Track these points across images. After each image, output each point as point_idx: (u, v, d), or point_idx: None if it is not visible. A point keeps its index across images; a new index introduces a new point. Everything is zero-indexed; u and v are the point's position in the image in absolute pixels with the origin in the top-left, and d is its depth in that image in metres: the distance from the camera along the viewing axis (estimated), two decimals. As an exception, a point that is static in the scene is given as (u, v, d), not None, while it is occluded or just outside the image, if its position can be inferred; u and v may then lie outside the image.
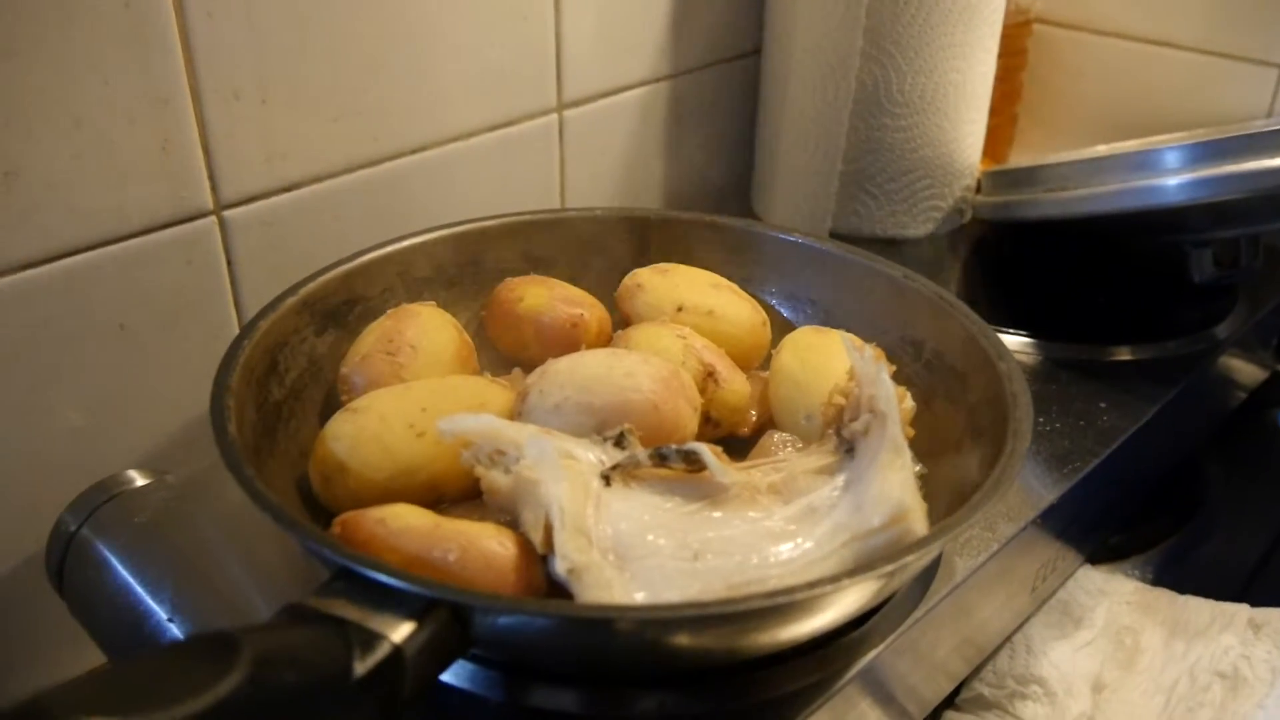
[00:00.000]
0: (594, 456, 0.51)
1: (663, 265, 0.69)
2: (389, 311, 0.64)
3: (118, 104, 0.61)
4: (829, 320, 0.69)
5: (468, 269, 0.70)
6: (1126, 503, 0.80)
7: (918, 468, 0.57)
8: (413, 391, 0.56)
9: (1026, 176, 0.85)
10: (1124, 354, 0.78)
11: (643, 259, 0.71)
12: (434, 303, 0.66)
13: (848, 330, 0.64)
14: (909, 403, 0.55)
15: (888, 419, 0.51)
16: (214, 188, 0.66)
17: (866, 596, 0.48)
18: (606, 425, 0.53)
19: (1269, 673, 0.67)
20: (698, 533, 0.48)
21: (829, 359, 0.60)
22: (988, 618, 0.64)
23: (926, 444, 0.58)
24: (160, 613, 0.56)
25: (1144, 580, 0.79)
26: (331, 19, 0.68)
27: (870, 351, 0.53)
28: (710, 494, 0.50)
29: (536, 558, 0.47)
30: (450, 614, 0.41)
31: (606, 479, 0.50)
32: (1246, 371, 0.90)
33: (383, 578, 0.41)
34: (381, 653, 0.39)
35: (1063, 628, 0.72)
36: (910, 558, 0.45)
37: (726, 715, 0.49)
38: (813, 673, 0.51)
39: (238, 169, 0.67)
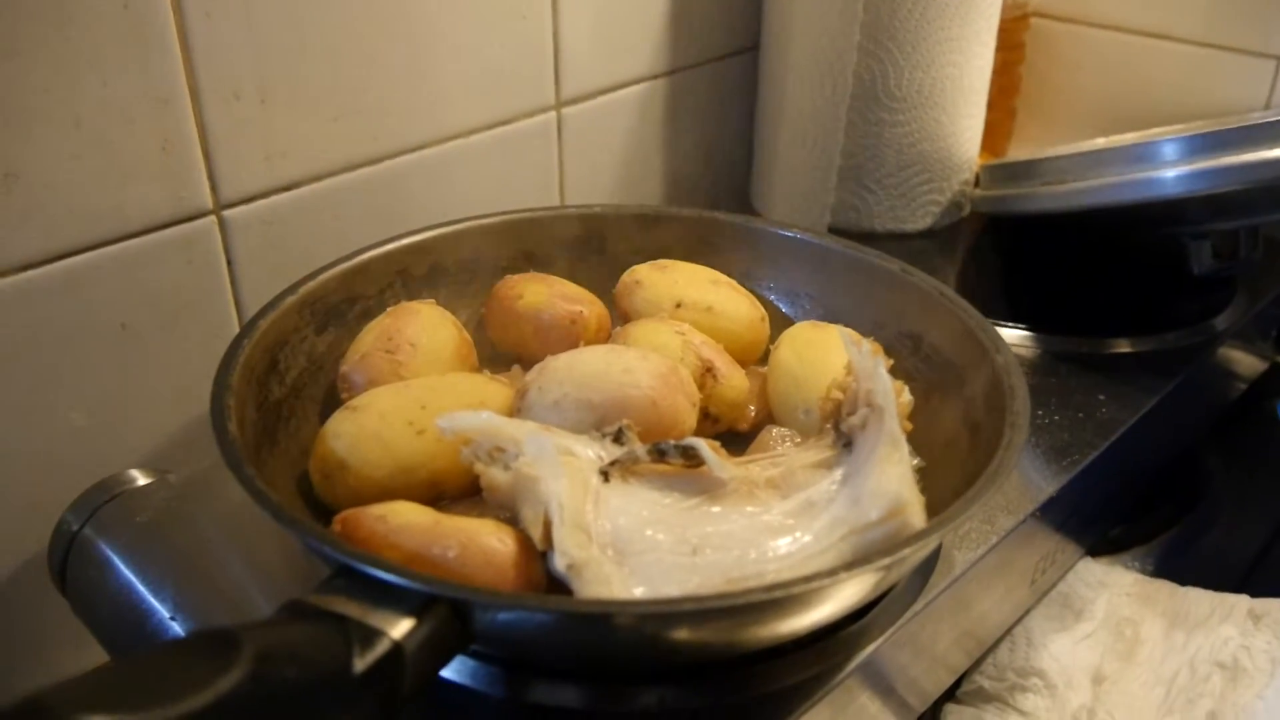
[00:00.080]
0: (593, 453, 0.51)
1: (661, 261, 0.69)
2: (388, 310, 0.64)
3: (117, 104, 0.61)
4: (827, 315, 0.69)
5: (467, 267, 0.70)
6: (1126, 495, 0.80)
7: (916, 461, 0.57)
8: (412, 389, 0.56)
9: (1025, 170, 0.85)
10: (1123, 346, 0.78)
11: (641, 255, 0.71)
12: (433, 301, 0.66)
13: (846, 325, 0.64)
14: (906, 396, 0.56)
15: (885, 413, 0.51)
16: (214, 187, 0.67)
17: (865, 590, 0.49)
18: (605, 421, 0.53)
19: (1269, 663, 0.67)
20: (696, 527, 0.49)
21: (827, 354, 0.61)
22: (987, 610, 0.64)
23: (924, 437, 0.58)
24: (162, 611, 0.56)
25: (1144, 572, 0.79)
26: (330, 18, 0.68)
27: (868, 346, 0.53)
28: (709, 489, 0.51)
29: (536, 554, 0.47)
30: (450, 610, 0.42)
31: (605, 475, 0.50)
32: (1246, 363, 0.90)
33: (382, 574, 0.41)
34: (381, 649, 0.39)
35: (1063, 620, 0.72)
36: (907, 551, 0.45)
37: (726, 709, 0.50)
38: (812, 666, 0.51)
39: (237, 168, 0.67)
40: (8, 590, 0.66)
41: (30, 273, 0.61)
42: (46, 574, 0.63)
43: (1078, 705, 0.67)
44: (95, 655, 0.64)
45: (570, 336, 0.64)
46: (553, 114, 0.84)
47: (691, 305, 0.66)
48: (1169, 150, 0.75)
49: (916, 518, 0.48)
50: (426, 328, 0.62)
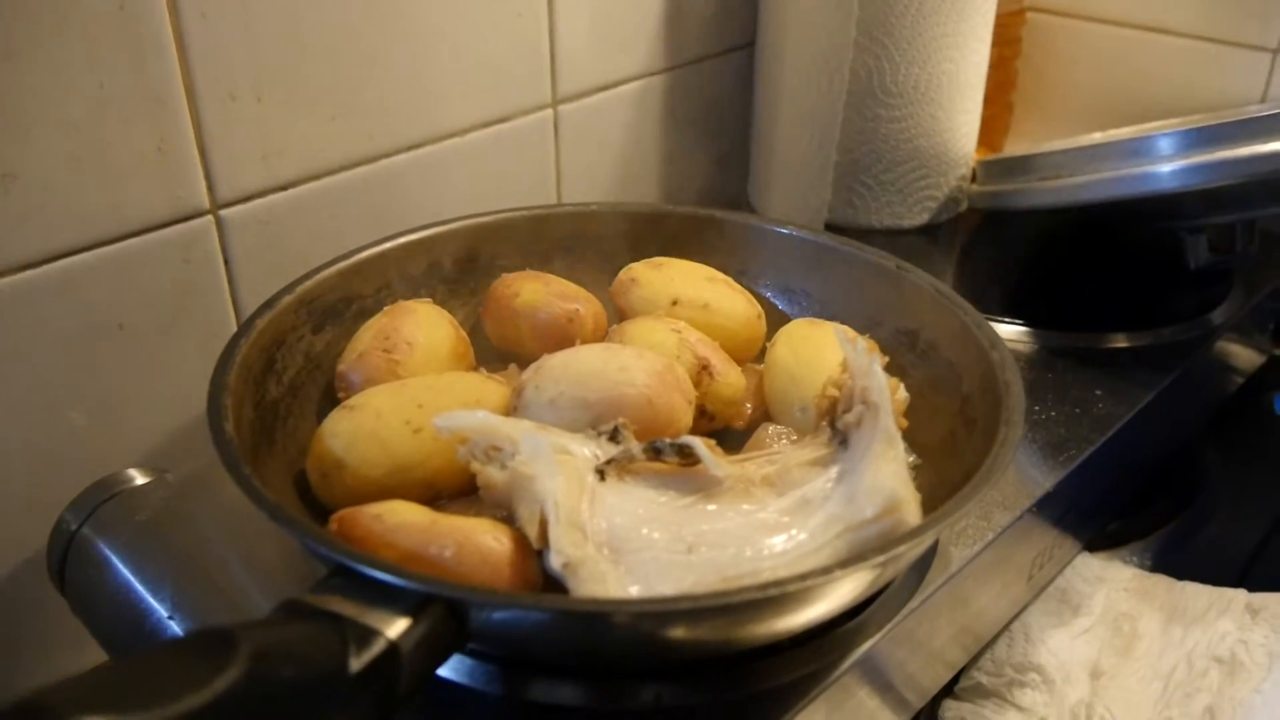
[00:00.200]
0: (589, 451, 0.51)
1: (657, 259, 0.69)
2: (385, 309, 0.64)
3: (113, 105, 0.61)
4: (824, 312, 0.69)
5: (464, 265, 0.70)
6: (1123, 490, 0.80)
7: (911, 458, 0.57)
8: (409, 388, 0.57)
9: (1022, 165, 0.85)
10: (1120, 341, 0.78)
11: (638, 253, 0.71)
12: (430, 299, 0.66)
13: (843, 322, 0.65)
14: (902, 394, 0.56)
15: (880, 410, 0.51)
16: (210, 187, 0.67)
17: (860, 587, 0.49)
18: (602, 420, 0.53)
19: (1266, 657, 0.68)
20: (692, 525, 0.49)
21: (823, 351, 0.61)
22: (985, 606, 0.64)
23: (920, 434, 0.58)
24: (160, 610, 0.56)
25: (1142, 567, 0.79)
26: (326, 17, 0.68)
27: (863, 343, 0.53)
28: (704, 487, 0.51)
29: (532, 553, 0.47)
30: (446, 609, 0.42)
31: (601, 473, 0.50)
32: (1243, 357, 0.90)
33: (378, 574, 0.42)
34: (377, 648, 0.39)
35: (1060, 615, 0.72)
36: (902, 548, 0.45)
37: (723, 706, 0.50)
38: (809, 663, 0.51)
39: (234, 168, 0.67)
40: (7, 589, 0.66)
41: (28, 273, 0.61)
42: (45, 573, 0.63)
43: (1075, 700, 0.67)
44: (94, 654, 0.64)
45: (566, 335, 0.64)
46: (549, 112, 0.84)
47: (688, 303, 0.66)
48: (1165, 145, 0.75)
49: (912, 515, 0.49)
50: (423, 327, 0.62)
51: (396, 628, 0.40)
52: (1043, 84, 1.10)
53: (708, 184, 1.01)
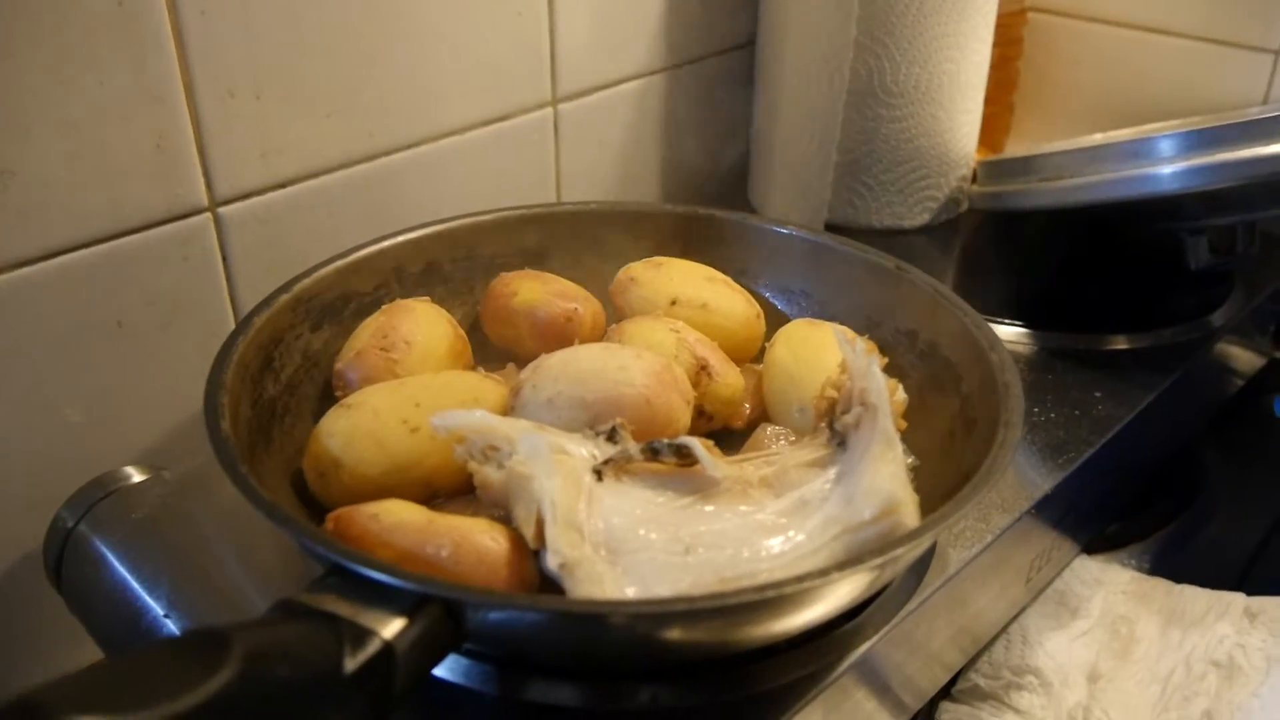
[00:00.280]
0: (586, 451, 0.51)
1: (656, 259, 0.69)
2: (384, 307, 0.64)
3: (112, 103, 0.61)
4: (823, 313, 0.69)
5: (462, 264, 0.70)
6: (1122, 492, 0.80)
7: (910, 460, 0.57)
8: (407, 387, 0.56)
9: (1022, 166, 0.85)
10: (1120, 343, 0.78)
11: (637, 253, 0.71)
12: (428, 298, 0.66)
13: (842, 323, 0.65)
14: (901, 395, 0.56)
15: (879, 411, 0.51)
16: (209, 185, 0.67)
17: (858, 589, 0.49)
18: (600, 420, 0.53)
19: (1264, 661, 0.67)
20: (689, 526, 0.49)
21: (822, 352, 0.61)
22: (983, 608, 0.64)
23: (919, 435, 0.58)
24: (157, 608, 0.56)
25: (1140, 569, 0.79)
26: (325, 15, 0.68)
27: (862, 344, 0.53)
28: (702, 488, 0.51)
29: (529, 553, 0.47)
30: (442, 609, 0.42)
31: (599, 474, 0.50)
32: (1243, 358, 0.90)
33: (374, 574, 0.41)
34: (372, 649, 0.39)
35: (1058, 618, 0.72)
36: (900, 550, 0.45)
37: (721, 708, 0.50)
38: (807, 664, 0.51)
39: (232, 166, 0.67)
40: (3, 587, 0.66)
41: (26, 270, 0.61)
42: (42, 570, 0.63)
43: (1073, 703, 0.67)
44: (91, 652, 0.64)
45: (565, 334, 0.64)
46: (549, 110, 0.84)
47: (686, 303, 0.66)
48: (1166, 146, 0.75)
49: (910, 517, 0.48)
50: (421, 325, 0.62)
51: (392, 628, 0.40)
52: (1044, 84, 1.10)
53: (707, 183, 1.01)
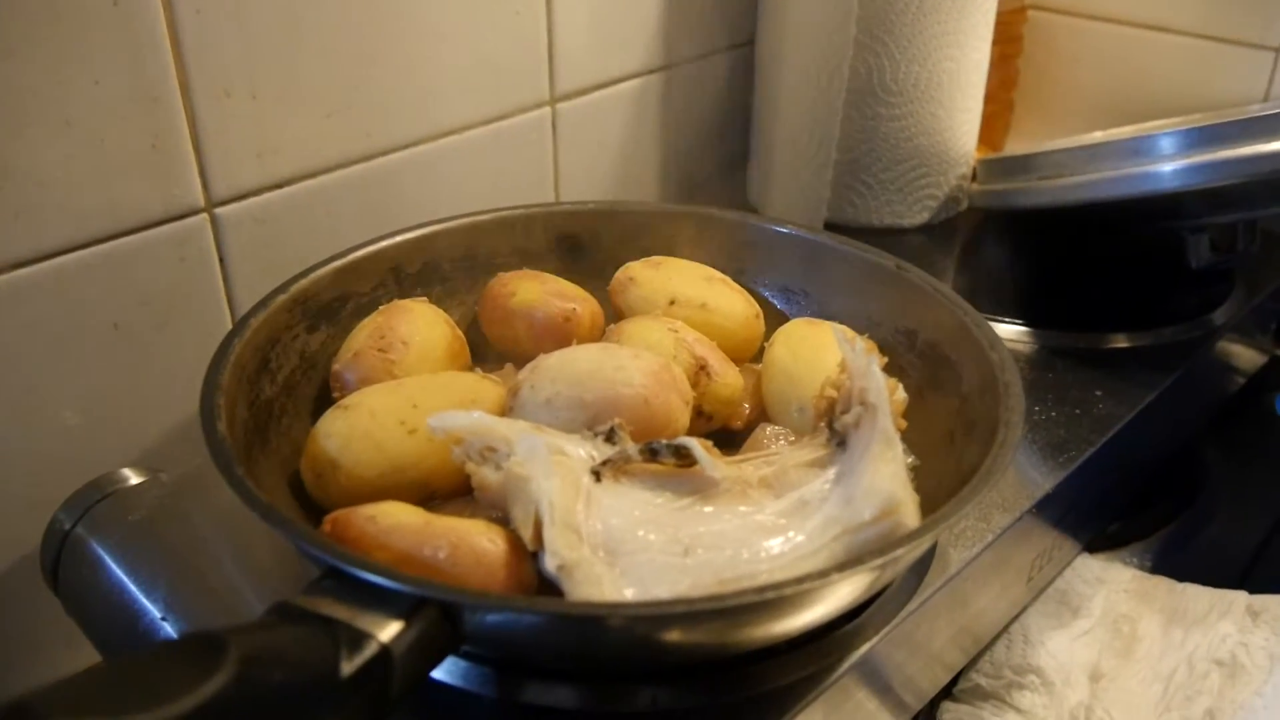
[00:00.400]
0: (584, 452, 0.51)
1: (655, 258, 0.69)
2: (381, 308, 0.64)
3: (108, 103, 0.61)
4: (823, 312, 0.69)
5: (460, 264, 0.70)
6: (1124, 490, 0.80)
7: (910, 459, 0.57)
8: (404, 388, 0.56)
9: (1022, 164, 0.85)
10: (1120, 341, 0.78)
11: (635, 252, 0.70)
12: (426, 298, 0.66)
13: (842, 322, 0.64)
14: (900, 394, 0.55)
15: (879, 411, 0.51)
16: (205, 185, 0.66)
17: (858, 590, 0.48)
18: (598, 420, 0.53)
19: (1267, 660, 0.67)
20: (688, 527, 0.48)
21: (821, 351, 0.60)
22: (984, 608, 0.64)
23: (919, 435, 0.58)
24: (154, 611, 0.56)
25: (1142, 568, 0.79)
26: (322, 14, 0.68)
27: (861, 344, 0.53)
28: (701, 488, 0.50)
29: (527, 554, 0.47)
30: (439, 612, 0.41)
31: (597, 475, 0.50)
32: (1244, 357, 0.89)
33: (370, 576, 0.41)
34: (369, 652, 0.39)
35: (1060, 617, 0.72)
36: (900, 551, 0.45)
37: (720, 709, 0.49)
38: (808, 665, 0.51)
39: (229, 166, 0.67)
40: (1, 589, 0.66)
41: (21, 271, 0.60)
42: (39, 573, 0.63)
43: (1075, 703, 0.67)
44: (89, 655, 0.63)
45: (563, 334, 0.63)
46: (547, 110, 0.84)
47: (685, 302, 0.65)
48: (1166, 144, 0.75)
49: (910, 517, 0.48)
50: (419, 326, 0.62)
51: (389, 631, 0.40)
52: (1044, 82, 1.10)
53: (706, 182, 1.01)
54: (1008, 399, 0.54)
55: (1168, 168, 0.74)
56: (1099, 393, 0.72)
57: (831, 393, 0.53)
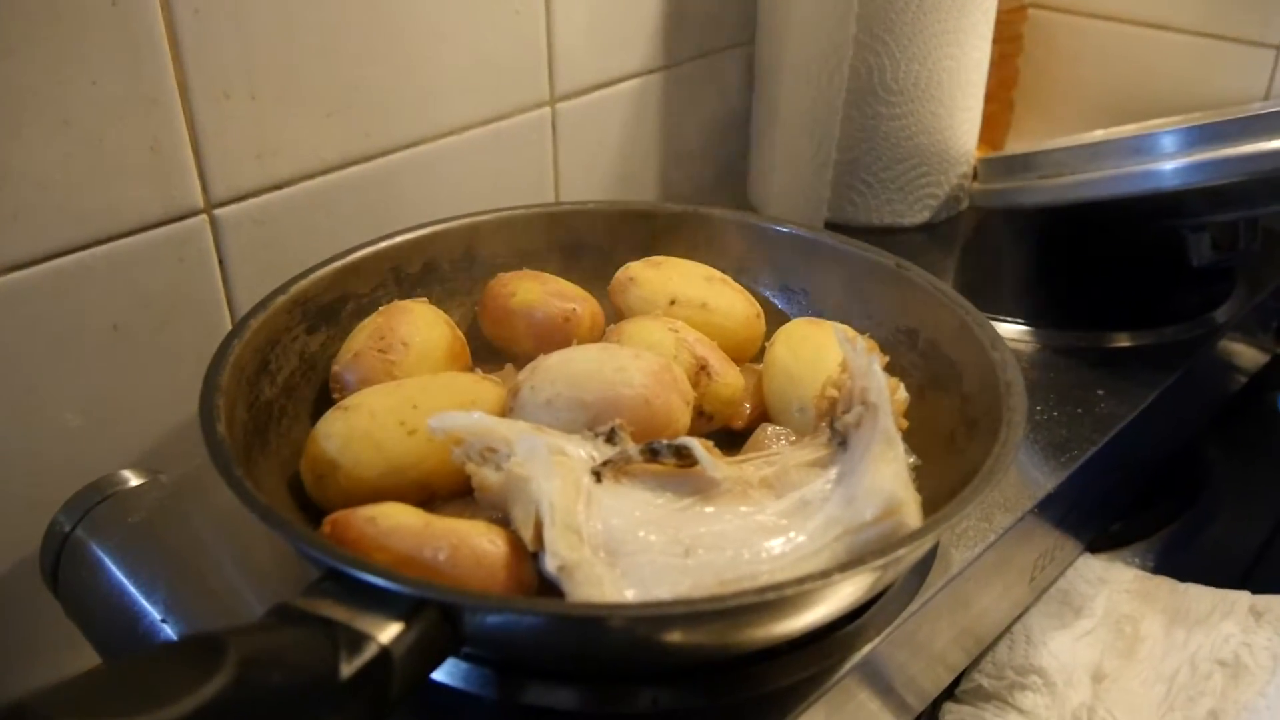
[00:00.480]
0: (585, 453, 0.50)
1: (655, 258, 0.69)
2: (381, 308, 0.64)
3: (106, 103, 0.60)
4: (824, 312, 0.68)
5: (460, 265, 0.70)
6: (1126, 490, 0.80)
7: (911, 459, 0.57)
8: (404, 389, 0.56)
9: (1023, 163, 0.85)
10: (1122, 340, 0.78)
11: (636, 252, 0.70)
12: (426, 299, 0.66)
13: (843, 321, 0.64)
14: (902, 394, 0.55)
15: (880, 411, 0.50)
16: (204, 186, 0.66)
17: (860, 590, 0.48)
18: (598, 420, 0.53)
19: (1270, 660, 0.67)
20: (689, 528, 0.48)
21: (822, 351, 0.60)
22: (986, 608, 0.64)
23: (921, 435, 0.57)
24: (154, 613, 0.56)
25: (1144, 568, 0.78)
26: (320, 14, 0.68)
27: (862, 343, 0.53)
28: (702, 489, 0.50)
29: (527, 555, 0.47)
30: (439, 614, 0.41)
31: (597, 475, 0.49)
32: (1246, 355, 0.89)
33: (370, 578, 0.41)
34: (369, 654, 0.39)
35: (1062, 617, 0.71)
36: (902, 551, 0.45)
37: (721, 710, 0.49)
38: (809, 666, 0.51)
39: (228, 167, 0.67)
40: (1, 591, 0.66)
41: (20, 273, 0.60)
42: (39, 575, 0.63)
43: (1078, 703, 0.66)
44: (88, 656, 0.63)
45: (563, 334, 0.63)
46: (547, 110, 0.84)
47: (686, 302, 0.65)
48: (1168, 142, 0.74)
49: (912, 517, 0.48)
50: (419, 326, 0.62)
51: (389, 632, 0.40)
52: (1044, 81, 1.10)
53: (706, 182, 1.00)
54: (1010, 398, 0.54)
55: (1169, 166, 0.74)
56: (1100, 392, 0.71)
57: (833, 392, 0.53)
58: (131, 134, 0.62)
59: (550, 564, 0.45)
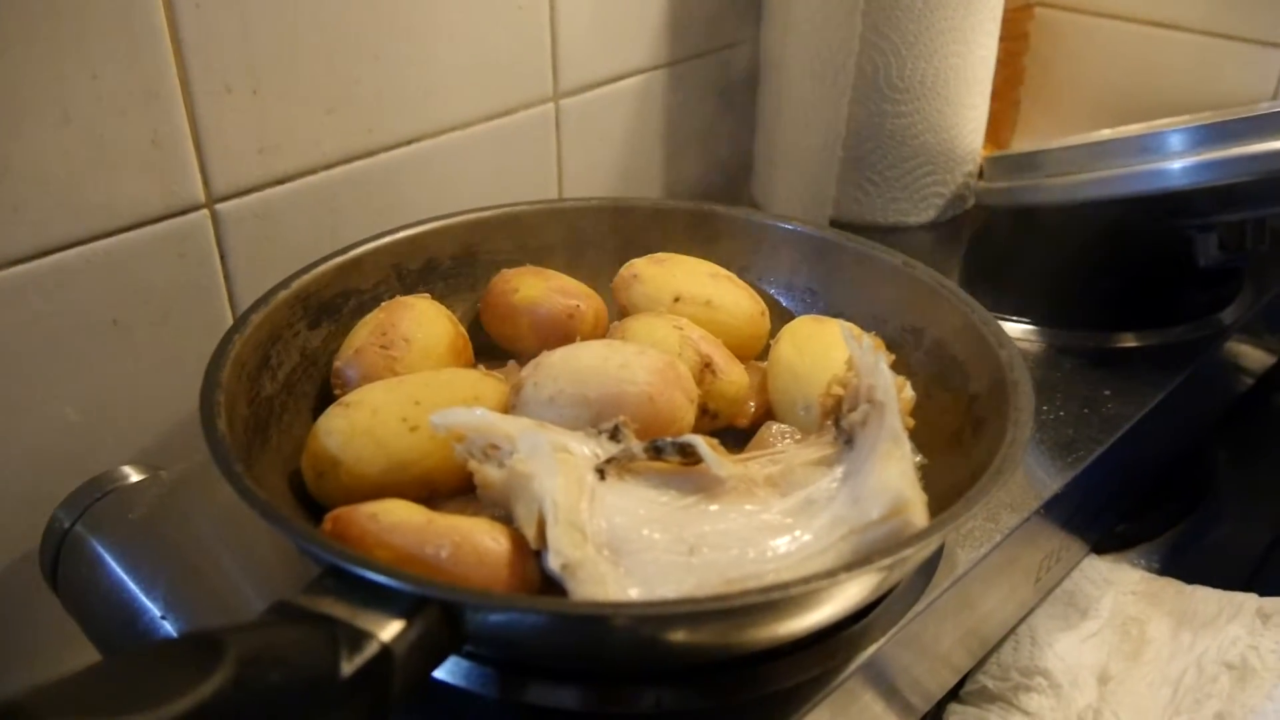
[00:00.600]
0: (588, 450, 0.50)
1: (659, 255, 0.68)
2: (383, 304, 0.63)
3: (107, 97, 0.60)
4: (829, 309, 0.68)
5: (463, 261, 0.69)
6: (1132, 491, 0.79)
7: (918, 458, 0.56)
8: (406, 385, 0.56)
9: (1029, 162, 0.84)
10: (1128, 340, 0.77)
11: (640, 249, 0.70)
12: (428, 295, 0.65)
13: (848, 319, 0.64)
14: (908, 392, 0.55)
15: (886, 409, 0.50)
16: (206, 181, 0.66)
17: (866, 590, 0.48)
18: (602, 418, 0.52)
19: (1277, 663, 0.67)
20: (694, 526, 0.48)
21: (828, 349, 0.60)
22: (991, 609, 0.63)
23: (927, 434, 0.57)
24: (154, 609, 0.56)
25: (1150, 569, 0.78)
26: (324, 8, 0.67)
27: (869, 341, 0.52)
28: (706, 487, 0.50)
29: (530, 553, 0.46)
30: (440, 612, 0.41)
31: (601, 472, 0.49)
32: (1253, 356, 0.89)
33: (371, 575, 0.41)
34: (370, 652, 0.39)
35: (1068, 619, 0.71)
36: (909, 551, 0.44)
37: (725, 711, 0.49)
38: (814, 666, 0.50)
39: (229, 161, 0.66)
40: (1, 588, 0.65)
41: (19, 268, 0.60)
42: (38, 571, 0.63)
43: (1083, 705, 0.66)
44: (88, 653, 0.63)
45: (567, 331, 0.63)
46: (551, 106, 0.83)
47: (690, 299, 0.65)
48: (1175, 141, 0.74)
49: (919, 517, 0.47)
50: (421, 322, 0.61)
51: (390, 630, 0.39)
52: (1051, 80, 1.09)
53: (711, 179, 1.00)
54: (1017, 397, 0.53)
55: (1176, 165, 0.73)
56: (1107, 392, 0.71)
57: (839, 390, 0.53)
58: (132, 128, 0.62)
59: (553, 562, 0.44)
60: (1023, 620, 0.69)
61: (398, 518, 0.47)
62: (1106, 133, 0.86)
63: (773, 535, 0.48)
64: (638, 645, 0.45)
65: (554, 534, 0.45)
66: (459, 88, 0.77)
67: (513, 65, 0.79)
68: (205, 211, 0.66)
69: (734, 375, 0.60)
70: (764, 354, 0.65)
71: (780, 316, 0.68)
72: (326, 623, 0.39)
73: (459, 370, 0.61)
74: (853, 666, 0.51)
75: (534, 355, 0.58)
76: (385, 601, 0.40)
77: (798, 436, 0.58)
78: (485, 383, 0.58)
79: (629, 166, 0.92)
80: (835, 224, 0.90)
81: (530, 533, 0.46)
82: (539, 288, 0.65)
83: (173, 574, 0.57)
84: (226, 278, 0.69)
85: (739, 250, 0.71)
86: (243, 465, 0.48)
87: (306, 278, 0.62)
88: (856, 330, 0.54)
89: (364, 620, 0.39)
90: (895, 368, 0.53)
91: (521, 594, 0.46)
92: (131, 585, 0.57)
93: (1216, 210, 0.81)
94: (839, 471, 0.50)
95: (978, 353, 0.58)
